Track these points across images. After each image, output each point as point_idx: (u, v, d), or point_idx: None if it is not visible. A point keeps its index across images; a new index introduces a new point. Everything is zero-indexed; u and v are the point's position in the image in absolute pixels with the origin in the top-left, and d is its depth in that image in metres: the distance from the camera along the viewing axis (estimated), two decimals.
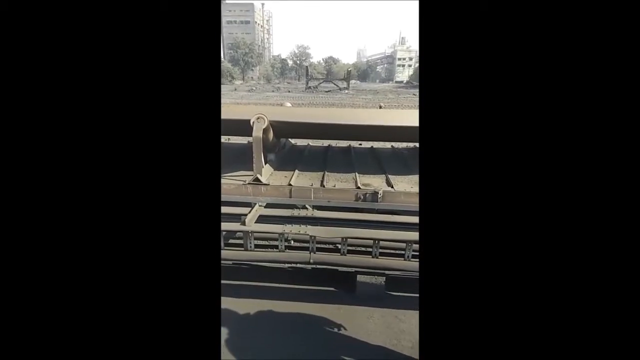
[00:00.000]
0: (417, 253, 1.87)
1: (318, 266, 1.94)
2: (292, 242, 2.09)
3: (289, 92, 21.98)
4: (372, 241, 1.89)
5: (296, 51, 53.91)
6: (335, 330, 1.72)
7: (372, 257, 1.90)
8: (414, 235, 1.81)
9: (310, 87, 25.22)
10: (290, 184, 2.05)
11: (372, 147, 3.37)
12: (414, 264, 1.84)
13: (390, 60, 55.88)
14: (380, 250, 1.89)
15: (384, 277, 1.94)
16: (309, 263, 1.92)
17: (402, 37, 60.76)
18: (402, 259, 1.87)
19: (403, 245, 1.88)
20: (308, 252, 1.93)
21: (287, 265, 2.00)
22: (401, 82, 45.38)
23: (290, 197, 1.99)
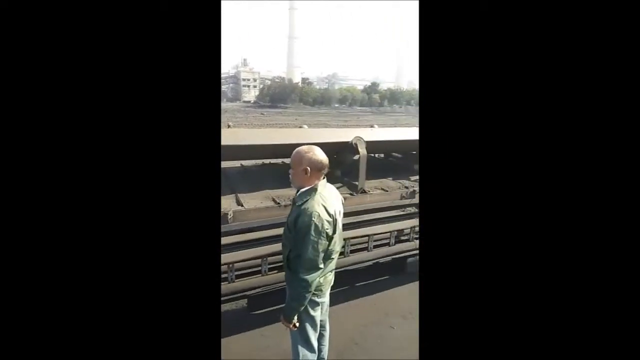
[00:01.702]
0: (273, 266, 1.91)
1: None
2: None
3: None
4: (226, 266, 1.80)
5: None
6: None
7: (229, 283, 1.81)
8: (269, 249, 1.85)
9: None
10: None
11: (220, 167, 3.26)
12: (273, 277, 1.88)
13: (234, 80, 56.39)
14: (237, 273, 1.83)
15: (246, 300, 1.88)
16: None
17: (244, 59, 62.70)
18: (260, 275, 1.88)
19: (259, 261, 1.89)
20: None
21: None
22: (249, 101, 46.56)
23: None
